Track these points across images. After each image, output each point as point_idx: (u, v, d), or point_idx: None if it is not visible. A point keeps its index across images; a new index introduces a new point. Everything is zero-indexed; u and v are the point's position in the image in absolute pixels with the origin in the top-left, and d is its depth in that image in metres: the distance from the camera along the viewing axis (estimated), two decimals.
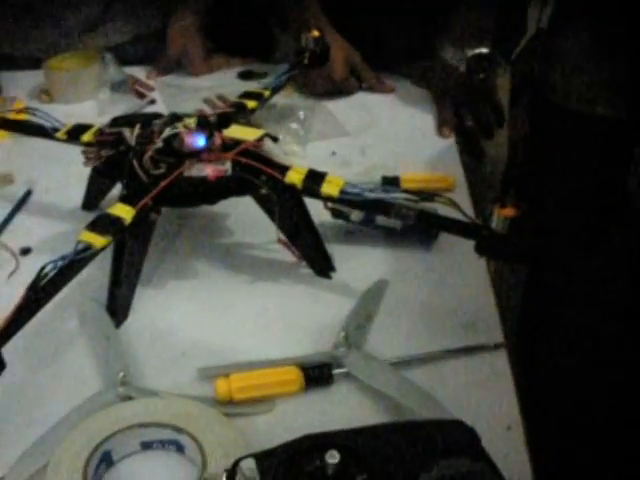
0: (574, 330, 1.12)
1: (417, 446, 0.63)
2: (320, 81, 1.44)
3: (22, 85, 1.55)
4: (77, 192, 1.14)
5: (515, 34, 1.41)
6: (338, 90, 1.46)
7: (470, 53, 1.24)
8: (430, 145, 1.31)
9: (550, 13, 1.40)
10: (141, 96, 1.48)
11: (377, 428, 0.66)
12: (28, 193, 1.20)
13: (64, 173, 1.23)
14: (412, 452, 0.63)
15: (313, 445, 0.62)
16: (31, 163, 1.28)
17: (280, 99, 1.34)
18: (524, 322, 1.03)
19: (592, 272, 1.11)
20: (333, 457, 0.59)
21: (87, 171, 1.10)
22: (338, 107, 1.43)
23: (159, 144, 0.92)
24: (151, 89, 1.52)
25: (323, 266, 0.99)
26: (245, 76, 1.55)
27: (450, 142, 1.32)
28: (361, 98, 1.48)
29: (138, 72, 1.57)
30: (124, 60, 1.54)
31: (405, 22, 1.39)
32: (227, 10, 1.61)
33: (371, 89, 1.49)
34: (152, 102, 1.47)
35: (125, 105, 1.44)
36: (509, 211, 0.81)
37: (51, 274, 0.78)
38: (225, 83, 1.52)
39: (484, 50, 1.24)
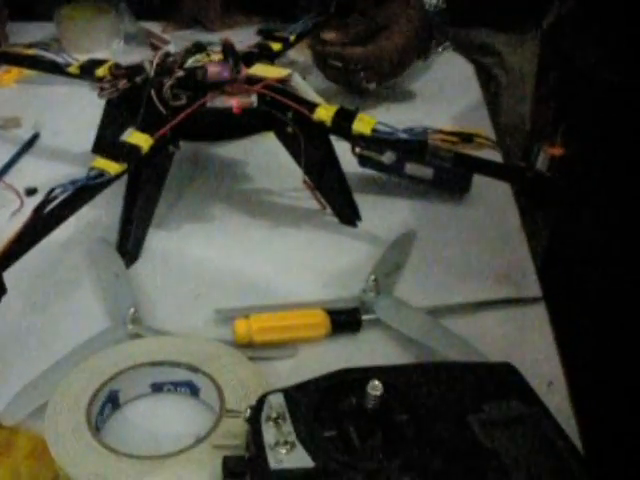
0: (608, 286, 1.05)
1: (464, 387, 0.58)
2: None
3: (33, 35, 1.48)
4: (86, 136, 1.08)
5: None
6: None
7: None
8: (457, 102, 1.24)
9: None
10: (155, 49, 1.42)
11: (421, 366, 0.61)
12: (35, 136, 1.14)
13: (73, 118, 1.18)
14: (459, 393, 0.57)
15: (350, 379, 0.56)
16: (38, 108, 1.23)
17: (301, 57, 1.29)
18: (552, 273, 0.95)
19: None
20: (375, 389, 0.53)
21: (97, 116, 1.05)
22: None
23: (180, 73, 0.86)
24: (166, 43, 1.45)
25: (348, 213, 0.93)
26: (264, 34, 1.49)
27: (478, 98, 1.26)
28: None
29: (153, 27, 1.51)
30: (139, 14, 1.49)
31: None
32: None
33: None
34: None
35: (138, 57, 1.36)
36: (557, 150, 0.75)
37: (60, 198, 0.72)
38: (243, 40, 1.45)
39: None
